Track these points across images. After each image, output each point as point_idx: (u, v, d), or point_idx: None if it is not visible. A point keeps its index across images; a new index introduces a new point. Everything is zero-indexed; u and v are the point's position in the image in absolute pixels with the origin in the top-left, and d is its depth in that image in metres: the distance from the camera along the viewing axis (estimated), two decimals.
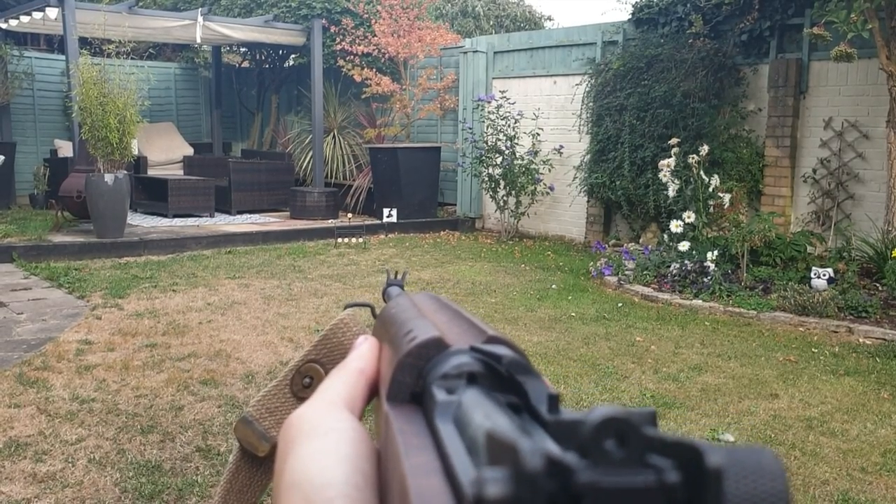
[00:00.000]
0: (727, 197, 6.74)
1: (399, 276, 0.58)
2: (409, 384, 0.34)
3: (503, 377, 0.31)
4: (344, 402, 0.36)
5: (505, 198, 9.47)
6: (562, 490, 0.21)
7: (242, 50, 13.80)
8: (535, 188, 9.25)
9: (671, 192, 7.00)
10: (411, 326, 0.36)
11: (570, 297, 6.34)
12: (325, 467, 0.30)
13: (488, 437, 0.24)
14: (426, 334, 0.35)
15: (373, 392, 0.38)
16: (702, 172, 6.74)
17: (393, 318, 0.41)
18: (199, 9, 10.22)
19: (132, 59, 8.55)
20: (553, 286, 6.77)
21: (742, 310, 5.70)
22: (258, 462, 0.53)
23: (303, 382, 0.52)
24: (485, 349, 0.33)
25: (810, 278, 6.00)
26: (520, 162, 9.27)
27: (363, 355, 0.40)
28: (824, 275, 5.96)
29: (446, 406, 0.30)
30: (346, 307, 0.52)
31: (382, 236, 9.50)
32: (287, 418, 0.35)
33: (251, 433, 0.52)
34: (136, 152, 8.48)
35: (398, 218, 9.80)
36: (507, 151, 9.33)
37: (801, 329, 5.36)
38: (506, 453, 0.22)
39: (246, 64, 14.17)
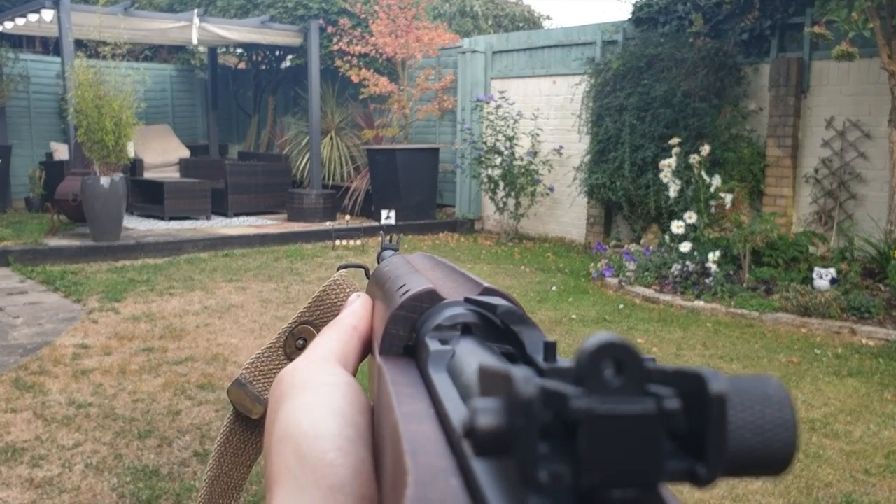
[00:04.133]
0: (728, 197, 6.71)
1: (393, 241, 0.58)
2: (401, 337, 0.33)
3: (498, 328, 0.31)
4: (336, 357, 0.36)
5: (504, 199, 9.42)
6: (557, 419, 0.20)
7: (239, 51, 13.77)
8: (535, 189, 9.21)
9: (672, 193, 6.97)
10: (404, 281, 0.36)
11: (570, 299, 6.30)
12: (318, 420, 0.30)
13: (480, 371, 0.23)
14: (419, 287, 0.34)
15: (366, 349, 0.38)
16: (703, 172, 6.71)
17: (386, 275, 0.41)
18: (195, 10, 10.18)
19: (128, 61, 8.52)
20: (553, 288, 6.73)
21: (744, 311, 5.66)
22: (252, 425, 0.52)
23: (296, 344, 0.52)
24: (479, 300, 0.32)
25: (813, 279, 5.97)
26: (519, 163, 9.22)
27: (356, 312, 0.40)
28: (827, 275, 5.92)
29: (440, 355, 0.29)
30: (339, 268, 0.52)
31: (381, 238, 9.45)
32: (279, 373, 0.35)
33: (245, 395, 0.51)
34: (132, 155, 8.44)
35: (397, 220, 9.75)
36: (506, 152, 9.29)
37: (803, 330, 5.33)
38: (499, 384, 0.21)
39: (242, 65, 14.14)
